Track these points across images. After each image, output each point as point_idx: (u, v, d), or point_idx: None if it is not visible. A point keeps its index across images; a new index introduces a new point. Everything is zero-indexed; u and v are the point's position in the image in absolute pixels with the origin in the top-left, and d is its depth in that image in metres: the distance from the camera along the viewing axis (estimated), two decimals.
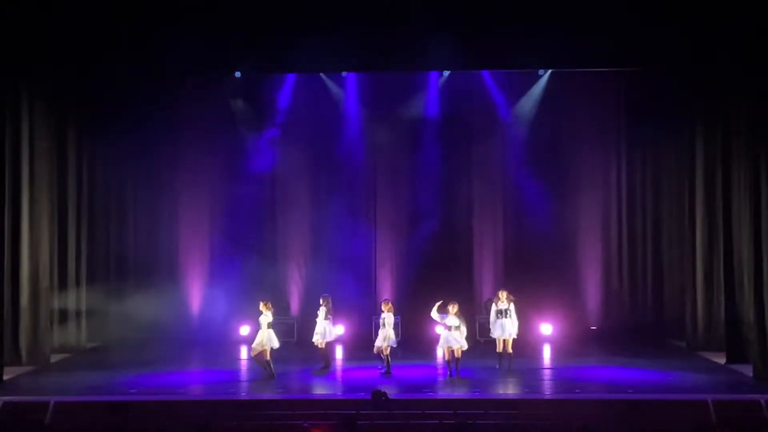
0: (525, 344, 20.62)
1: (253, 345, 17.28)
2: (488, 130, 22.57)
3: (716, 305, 19.75)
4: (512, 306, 17.88)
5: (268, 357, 17.20)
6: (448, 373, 17.30)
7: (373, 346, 17.91)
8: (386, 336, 17.56)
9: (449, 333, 17.23)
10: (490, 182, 22.90)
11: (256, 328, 17.51)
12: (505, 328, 17.80)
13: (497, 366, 17.88)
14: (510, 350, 17.84)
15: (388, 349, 17.62)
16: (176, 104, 22.29)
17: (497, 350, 17.97)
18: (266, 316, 17.26)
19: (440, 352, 17.98)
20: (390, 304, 17.94)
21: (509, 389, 16.68)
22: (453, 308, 17.28)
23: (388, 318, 17.68)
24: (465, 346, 17.29)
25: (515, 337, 17.95)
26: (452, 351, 17.26)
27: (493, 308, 17.99)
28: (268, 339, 17.15)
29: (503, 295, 17.96)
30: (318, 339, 17.82)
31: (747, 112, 17.60)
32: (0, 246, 17.36)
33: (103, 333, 21.62)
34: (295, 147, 22.49)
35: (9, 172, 18.02)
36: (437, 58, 17.78)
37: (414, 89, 22.27)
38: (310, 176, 22.68)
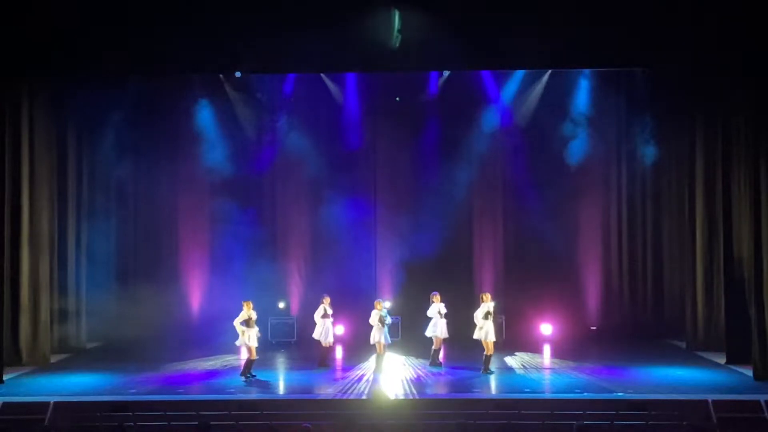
0: (525, 344, 20.70)
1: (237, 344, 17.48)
2: (488, 130, 22.53)
3: (716, 305, 19.76)
4: (489, 309, 17.60)
5: (252, 356, 17.27)
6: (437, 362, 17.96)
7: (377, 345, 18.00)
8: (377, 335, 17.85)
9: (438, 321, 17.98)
10: (491, 182, 22.89)
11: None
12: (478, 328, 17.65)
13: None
14: (488, 352, 17.53)
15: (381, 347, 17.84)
16: (176, 103, 22.28)
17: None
18: (242, 315, 17.35)
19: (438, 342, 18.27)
20: (381, 303, 18.20)
21: (509, 389, 16.60)
22: (436, 298, 18.08)
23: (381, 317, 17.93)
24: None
25: (483, 339, 17.55)
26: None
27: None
28: (247, 339, 17.24)
29: (482, 296, 17.90)
30: (319, 336, 18.15)
31: (747, 112, 17.59)
32: (0, 246, 17.34)
33: (103, 333, 21.63)
34: (294, 146, 22.47)
35: (9, 171, 18.00)
36: (437, 57, 17.76)
37: (414, 88, 22.26)
38: (309, 175, 22.63)
